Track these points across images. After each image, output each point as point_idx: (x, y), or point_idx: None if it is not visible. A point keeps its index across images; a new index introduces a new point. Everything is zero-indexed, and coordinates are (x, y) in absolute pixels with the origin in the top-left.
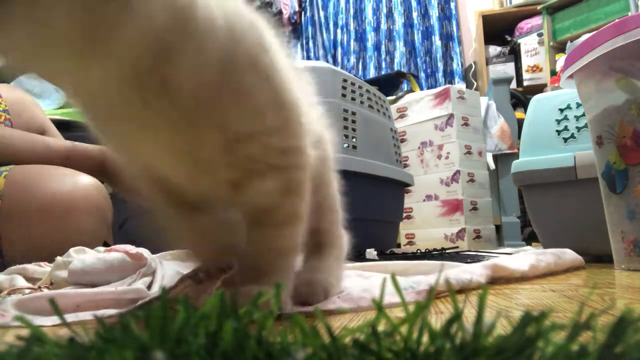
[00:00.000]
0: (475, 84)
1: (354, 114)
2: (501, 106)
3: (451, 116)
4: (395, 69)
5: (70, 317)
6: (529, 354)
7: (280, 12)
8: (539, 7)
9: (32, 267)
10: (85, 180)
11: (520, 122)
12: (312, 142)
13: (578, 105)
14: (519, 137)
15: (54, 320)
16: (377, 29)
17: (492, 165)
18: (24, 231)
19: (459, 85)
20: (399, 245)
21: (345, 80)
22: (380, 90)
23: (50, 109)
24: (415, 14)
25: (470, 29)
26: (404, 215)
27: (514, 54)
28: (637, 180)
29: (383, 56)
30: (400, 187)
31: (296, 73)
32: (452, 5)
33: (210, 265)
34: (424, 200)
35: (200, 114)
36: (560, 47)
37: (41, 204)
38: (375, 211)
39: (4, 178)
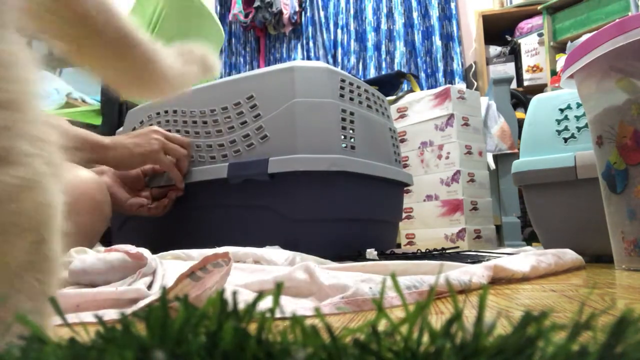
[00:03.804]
0: (475, 84)
1: (352, 114)
2: (501, 106)
3: (451, 116)
4: (396, 69)
5: (70, 317)
6: (529, 354)
7: (280, 12)
8: (539, 7)
9: None
10: (84, 174)
11: (520, 122)
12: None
13: (578, 105)
14: (519, 137)
15: (55, 320)
16: (377, 29)
17: (493, 165)
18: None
19: (459, 85)
20: (399, 245)
21: (343, 81)
22: (380, 90)
23: (50, 109)
24: (415, 14)
25: (471, 29)
26: (404, 215)
27: (514, 54)
28: (637, 180)
29: (383, 56)
30: (400, 187)
31: None
32: (452, 5)
33: (207, 263)
34: (424, 200)
35: None
36: (560, 47)
37: None
38: (374, 211)
39: None
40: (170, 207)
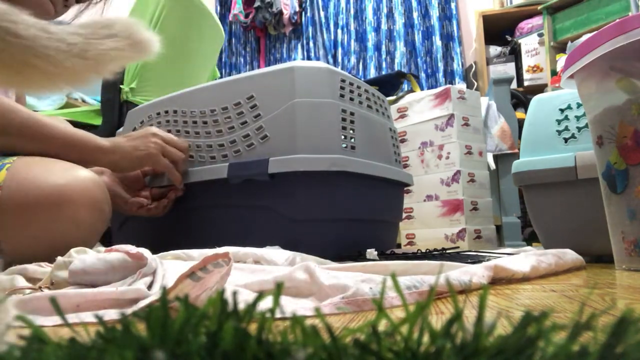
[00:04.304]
0: (475, 84)
1: (352, 114)
2: (502, 106)
3: (452, 116)
4: (396, 69)
5: (70, 317)
6: (530, 354)
7: (280, 13)
8: (539, 7)
9: (32, 267)
10: (84, 174)
11: (520, 122)
12: None
13: (578, 105)
14: (520, 137)
15: (55, 320)
16: (377, 29)
17: (493, 166)
18: (21, 223)
19: (460, 85)
20: (399, 246)
21: (343, 81)
22: (380, 91)
23: (50, 109)
24: (415, 14)
25: (471, 29)
26: (404, 215)
27: (515, 54)
28: (637, 180)
29: (383, 56)
30: (400, 187)
31: None
32: (453, 5)
33: (207, 263)
34: (425, 201)
35: None
36: (560, 47)
37: (38, 195)
38: (374, 211)
39: (6, 170)
40: (170, 207)
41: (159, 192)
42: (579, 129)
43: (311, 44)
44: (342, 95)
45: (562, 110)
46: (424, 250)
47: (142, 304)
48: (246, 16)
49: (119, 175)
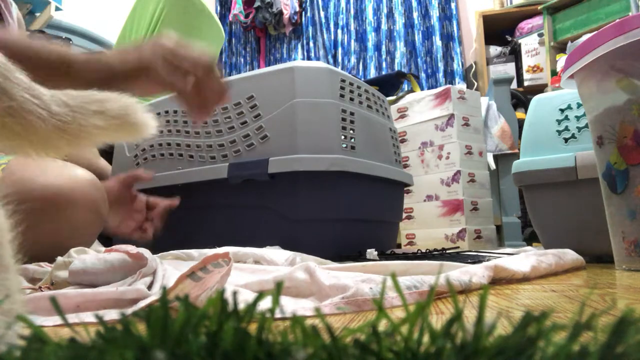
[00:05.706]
0: (475, 84)
1: (352, 114)
2: (502, 106)
3: (452, 116)
4: (396, 69)
5: (71, 317)
6: (530, 354)
7: (280, 13)
8: (539, 7)
9: (32, 268)
10: (81, 174)
11: (520, 122)
12: None
13: (579, 105)
14: (520, 137)
15: (55, 320)
16: (377, 29)
17: (493, 166)
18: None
19: (460, 85)
20: (399, 246)
21: (343, 81)
22: (380, 91)
23: None
24: (415, 14)
25: (471, 29)
26: (405, 215)
27: (515, 54)
28: (637, 180)
29: (384, 56)
30: (400, 187)
31: None
32: (453, 5)
33: (207, 263)
34: (425, 201)
35: None
36: (560, 47)
37: (35, 196)
38: (375, 211)
39: (2, 171)
40: (161, 226)
41: (153, 202)
42: (579, 129)
43: (311, 44)
44: (342, 95)
45: (562, 110)
46: (424, 250)
47: (142, 304)
48: (246, 16)
49: (110, 197)
